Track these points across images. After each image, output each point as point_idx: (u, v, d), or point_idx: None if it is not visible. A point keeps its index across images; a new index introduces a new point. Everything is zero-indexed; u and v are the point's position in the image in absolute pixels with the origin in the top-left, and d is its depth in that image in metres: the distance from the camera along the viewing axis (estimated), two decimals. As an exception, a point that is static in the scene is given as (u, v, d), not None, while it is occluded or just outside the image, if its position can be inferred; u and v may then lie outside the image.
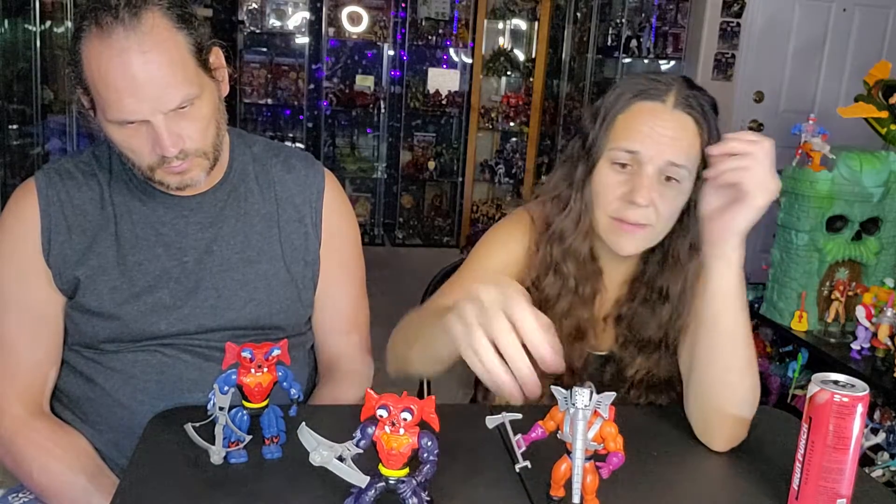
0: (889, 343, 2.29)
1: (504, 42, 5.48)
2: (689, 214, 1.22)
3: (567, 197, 1.26)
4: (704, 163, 1.17)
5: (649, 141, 1.17)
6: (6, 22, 3.11)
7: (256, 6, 5.02)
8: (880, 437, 2.28)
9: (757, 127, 4.82)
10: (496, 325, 0.86)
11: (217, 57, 1.21)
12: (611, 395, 0.90)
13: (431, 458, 0.87)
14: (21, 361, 1.24)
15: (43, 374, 1.26)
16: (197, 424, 0.99)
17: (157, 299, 1.24)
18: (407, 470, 0.87)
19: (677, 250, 1.25)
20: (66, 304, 1.25)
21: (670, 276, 1.26)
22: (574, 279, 1.27)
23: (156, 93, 1.10)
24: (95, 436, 1.26)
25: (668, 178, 1.18)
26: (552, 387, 0.91)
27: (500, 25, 5.46)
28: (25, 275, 1.23)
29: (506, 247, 1.30)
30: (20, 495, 1.27)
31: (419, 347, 1.08)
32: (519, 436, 0.94)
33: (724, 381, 1.11)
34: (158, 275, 1.25)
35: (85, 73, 1.13)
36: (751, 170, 1.06)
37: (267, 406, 1.02)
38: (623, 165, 1.19)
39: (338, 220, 1.38)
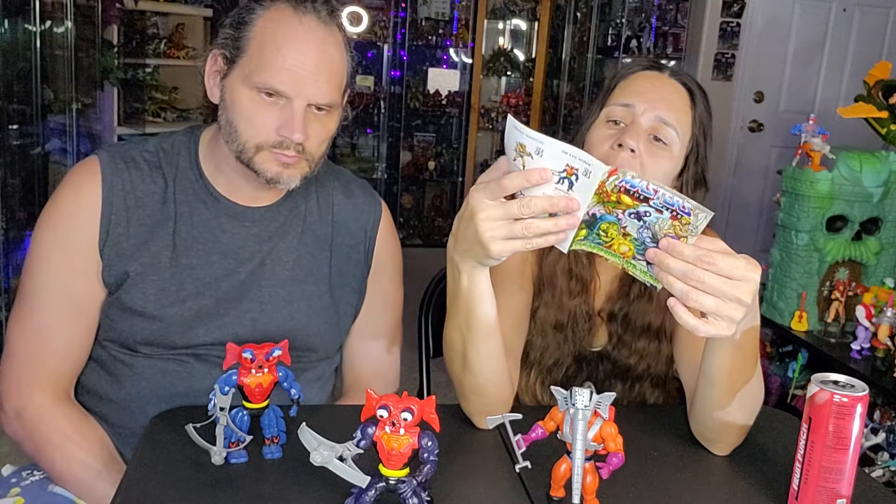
0: (889, 343, 2.29)
1: (504, 42, 5.48)
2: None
3: None
4: (696, 144, 1.24)
5: (643, 97, 1.21)
6: (6, 22, 3.11)
7: (257, 6, 5.01)
8: (880, 437, 2.28)
9: (757, 127, 4.83)
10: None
11: (345, 96, 1.25)
12: (611, 396, 0.90)
13: (431, 458, 0.87)
14: (54, 346, 1.22)
15: (73, 362, 1.24)
16: (198, 425, 0.99)
17: (201, 306, 1.22)
18: (407, 470, 0.87)
19: None
20: (104, 300, 1.23)
21: None
22: (570, 265, 1.28)
23: (316, 79, 1.15)
24: (114, 437, 1.25)
25: (657, 139, 1.20)
26: (552, 387, 0.92)
27: (500, 25, 5.46)
28: (75, 261, 1.20)
29: None
30: (36, 472, 1.25)
31: (459, 332, 1.07)
32: (519, 436, 0.94)
33: (727, 410, 1.08)
34: (208, 281, 1.23)
35: (253, 32, 1.16)
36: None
37: (267, 406, 1.02)
38: (616, 123, 1.22)
39: (388, 252, 1.39)
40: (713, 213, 0.87)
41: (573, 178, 0.88)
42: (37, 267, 1.22)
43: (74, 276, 1.21)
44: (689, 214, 0.87)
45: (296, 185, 1.21)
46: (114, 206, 1.20)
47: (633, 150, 1.17)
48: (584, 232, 0.92)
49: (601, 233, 0.92)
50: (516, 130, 0.89)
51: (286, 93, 1.14)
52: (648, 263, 0.91)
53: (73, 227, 1.20)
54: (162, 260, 1.21)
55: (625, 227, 0.90)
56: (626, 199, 0.88)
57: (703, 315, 0.90)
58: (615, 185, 0.87)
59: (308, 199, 1.32)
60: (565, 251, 0.94)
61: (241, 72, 1.16)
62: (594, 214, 0.90)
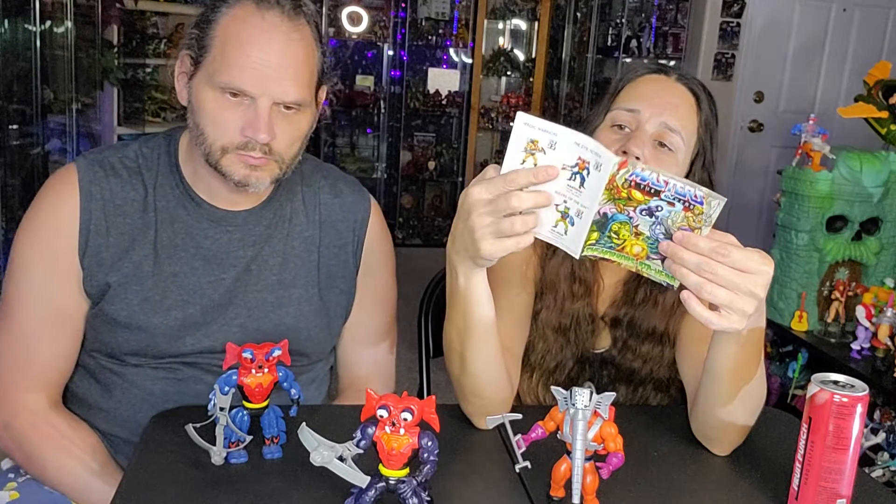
0: (889, 343, 2.29)
1: (504, 42, 5.48)
2: None
3: None
4: (702, 148, 1.23)
5: (648, 102, 1.21)
6: (6, 22, 3.11)
7: (256, 6, 5.01)
8: (880, 437, 2.28)
9: (757, 127, 4.83)
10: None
11: (321, 94, 1.22)
12: (611, 396, 0.90)
13: (431, 458, 0.87)
14: (40, 356, 1.20)
15: (60, 371, 1.22)
16: (198, 425, 0.99)
17: (186, 314, 1.20)
18: (407, 470, 0.87)
19: None
20: (88, 311, 1.21)
21: None
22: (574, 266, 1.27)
23: (280, 77, 1.11)
24: (106, 445, 1.24)
25: (662, 145, 1.20)
26: (552, 388, 0.92)
27: (500, 25, 5.46)
28: (56, 271, 1.18)
29: None
30: None
31: (457, 332, 1.07)
32: (519, 436, 0.94)
33: (729, 408, 1.08)
34: (193, 289, 1.21)
35: (216, 31, 1.13)
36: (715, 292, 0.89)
37: (267, 406, 1.02)
38: (621, 127, 1.22)
39: (378, 251, 1.36)
40: (726, 199, 0.87)
41: (584, 172, 0.88)
42: (18, 277, 1.20)
43: (56, 287, 1.19)
44: (701, 203, 0.86)
45: (266, 187, 1.18)
46: (92, 216, 1.18)
47: (637, 158, 1.17)
48: (595, 235, 0.91)
49: (612, 235, 0.91)
50: (527, 127, 0.88)
51: (250, 92, 1.11)
52: (662, 260, 0.91)
53: (52, 238, 1.18)
54: (144, 269, 1.19)
55: (637, 226, 0.90)
56: (637, 195, 0.87)
57: (714, 308, 0.90)
58: (626, 179, 0.87)
59: (294, 200, 1.29)
60: (577, 257, 0.93)
61: (205, 72, 1.13)
62: (605, 214, 0.90)
